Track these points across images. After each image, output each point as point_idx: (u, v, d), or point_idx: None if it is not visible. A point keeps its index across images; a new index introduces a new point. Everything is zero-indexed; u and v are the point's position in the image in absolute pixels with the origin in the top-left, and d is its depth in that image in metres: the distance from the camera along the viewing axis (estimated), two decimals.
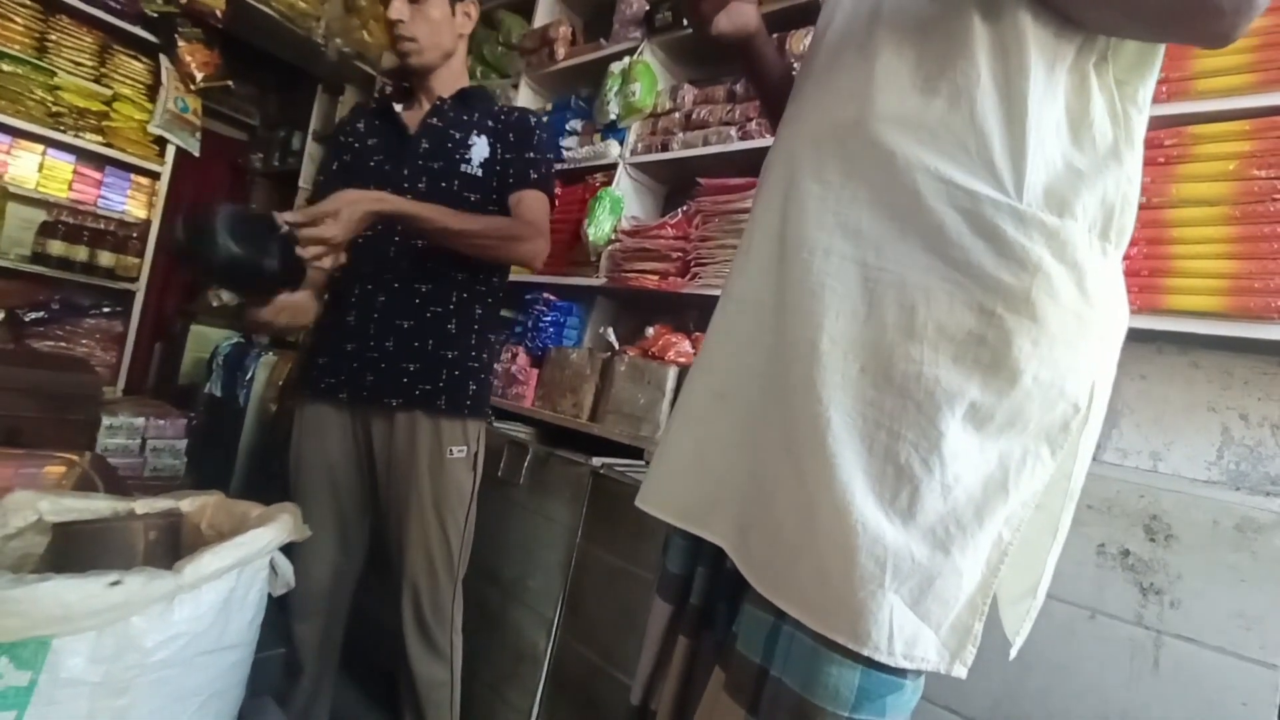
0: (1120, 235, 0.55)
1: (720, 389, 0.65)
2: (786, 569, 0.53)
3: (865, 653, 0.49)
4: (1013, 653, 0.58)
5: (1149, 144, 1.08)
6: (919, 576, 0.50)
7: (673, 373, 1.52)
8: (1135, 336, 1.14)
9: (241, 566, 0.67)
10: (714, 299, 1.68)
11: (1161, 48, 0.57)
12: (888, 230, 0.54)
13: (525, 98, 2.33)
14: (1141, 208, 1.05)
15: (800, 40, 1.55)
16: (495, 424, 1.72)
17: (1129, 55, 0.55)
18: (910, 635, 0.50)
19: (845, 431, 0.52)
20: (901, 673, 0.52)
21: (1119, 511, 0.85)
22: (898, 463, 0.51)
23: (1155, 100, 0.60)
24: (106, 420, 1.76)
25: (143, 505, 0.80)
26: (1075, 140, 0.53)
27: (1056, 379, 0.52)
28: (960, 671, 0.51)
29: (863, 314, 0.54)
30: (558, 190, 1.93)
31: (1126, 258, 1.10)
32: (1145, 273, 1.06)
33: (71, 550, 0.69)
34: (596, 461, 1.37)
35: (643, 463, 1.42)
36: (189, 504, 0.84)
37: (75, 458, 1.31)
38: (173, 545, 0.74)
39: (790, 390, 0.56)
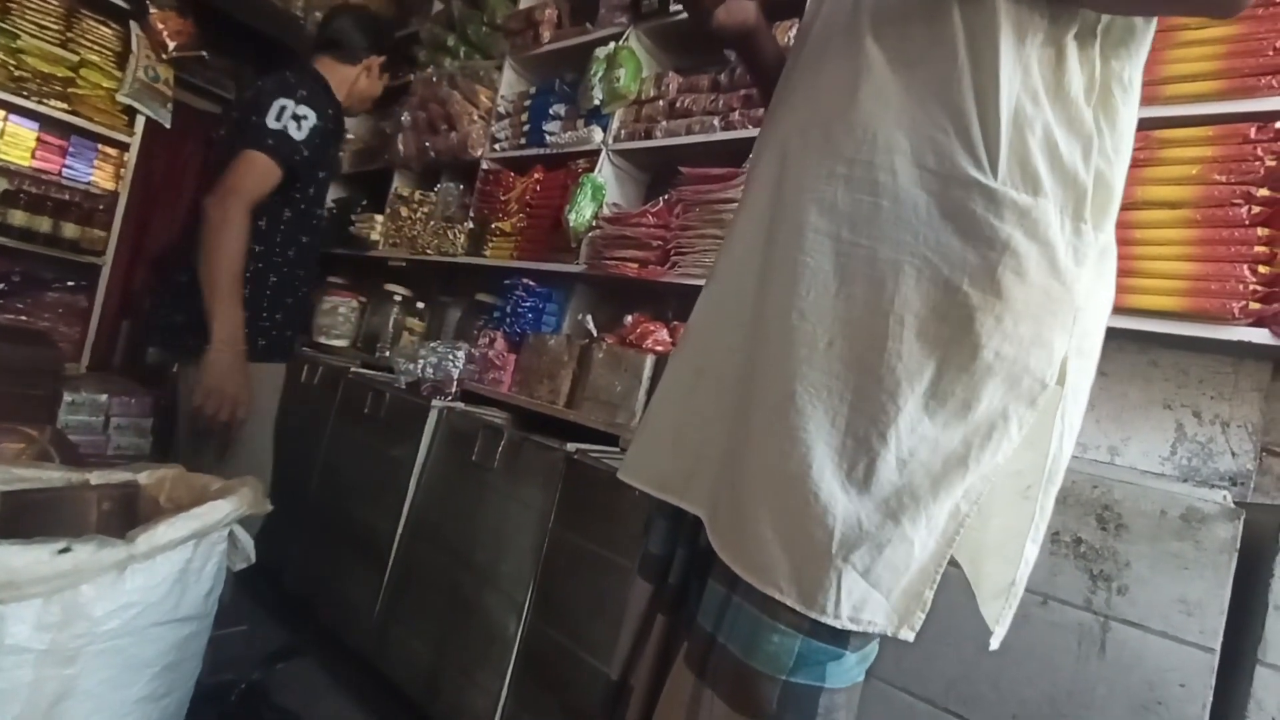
0: (1099, 215, 0.55)
1: (700, 364, 0.66)
2: (743, 535, 0.55)
3: (813, 615, 0.50)
4: (993, 643, 0.58)
5: None
6: (867, 544, 0.51)
7: (650, 361, 1.52)
8: None
9: (198, 538, 0.66)
10: (693, 288, 1.69)
11: (1152, 27, 0.57)
12: (861, 207, 0.55)
13: (509, 80, 2.30)
14: None
15: (786, 29, 1.55)
16: (470, 408, 1.71)
17: (1116, 31, 0.55)
18: (858, 599, 0.51)
19: (809, 405, 0.53)
20: (844, 641, 0.53)
21: (1073, 501, 0.87)
22: (857, 435, 0.52)
23: None
24: (68, 396, 1.72)
25: (98, 476, 0.79)
26: (1053, 117, 0.53)
27: (1020, 354, 0.52)
28: (907, 635, 0.52)
29: (833, 289, 0.55)
30: (537, 176, 1.89)
31: None
32: None
33: (21, 519, 0.67)
34: (571, 447, 1.37)
35: (617, 449, 1.42)
36: (146, 476, 0.82)
37: (34, 432, 1.27)
38: (128, 517, 0.73)
39: (761, 364, 0.58)
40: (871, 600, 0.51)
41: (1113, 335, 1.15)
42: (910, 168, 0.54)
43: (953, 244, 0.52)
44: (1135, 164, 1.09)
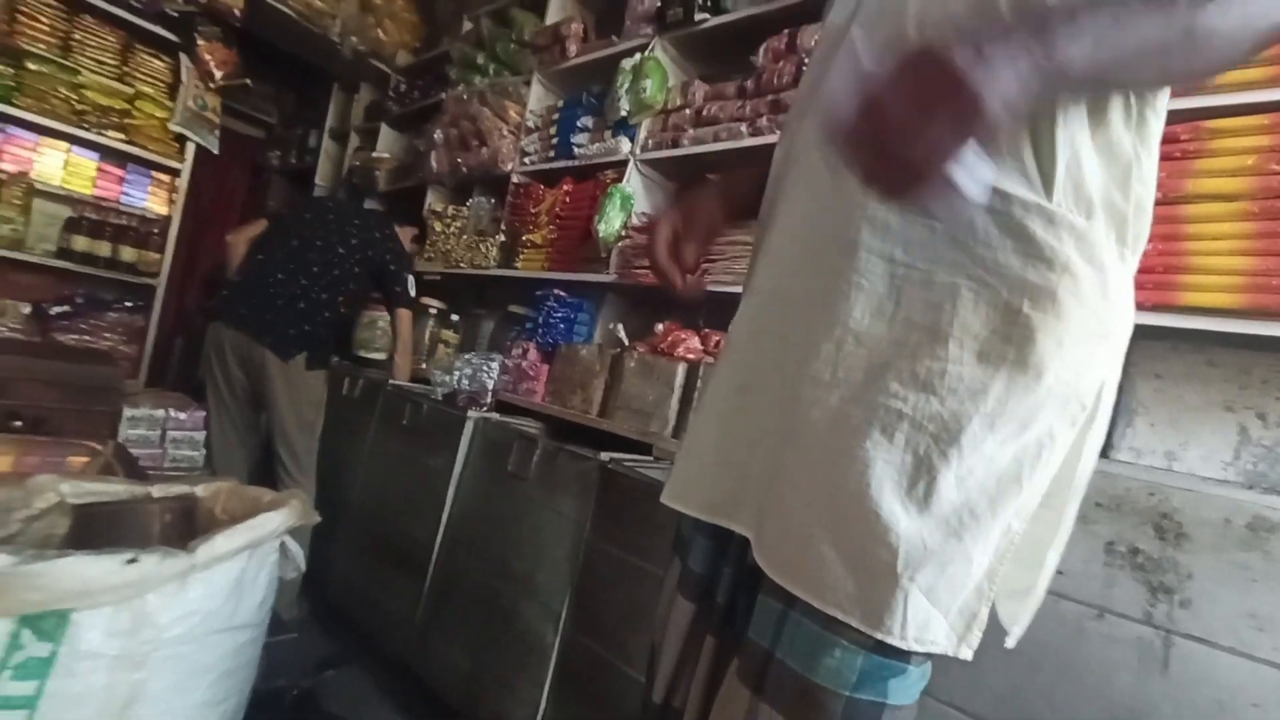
0: (1136, 241, 0.55)
1: (743, 382, 0.65)
2: (800, 555, 0.54)
3: (879, 636, 0.50)
4: (1010, 642, 0.59)
5: (1165, 139, 1.07)
6: (932, 564, 0.50)
7: (681, 369, 1.52)
8: (1150, 334, 1.13)
9: (252, 548, 0.69)
10: (725, 295, 1.68)
11: None
12: (916, 227, 0.54)
13: (537, 94, 2.35)
14: (1156, 204, 1.05)
15: (811, 34, 1.54)
16: (504, 418, 1.74)
17: None
18: (922, 620, 0.50)
19: (866, 424, 0.53)
20: (905, 656, 0.52)
21: (1129, 509, 0.83)
22: (917, 453, 0.51)
23: (1171, 95, 0.60)
24: (128, 412, 1.80)
25: (159, 490, 0.83)
26: (1095, 141, 0.53)
27: (1073, 378, 0.52)
28: (966, 653, 0.52)
29: (889, 311, 0.54)
30: (566, 188, 2.02)
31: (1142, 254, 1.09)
32: (1160, 269, 1.05)
33: (90, 530, 0.71)
34: (605, 456, 1.37)
35: (651, 458, 1.42)
36: (204, 489, 0.86)
37: (98, 446, 1.34)
38: (187, 528, 0.76)
39: (810, 384, 0.57)
40: (934, 620, 0.51)
41: (1166, 335, 1.11)
42: None
43: (1011, 265, 0.51)
44: (1185, 156, 1.05)
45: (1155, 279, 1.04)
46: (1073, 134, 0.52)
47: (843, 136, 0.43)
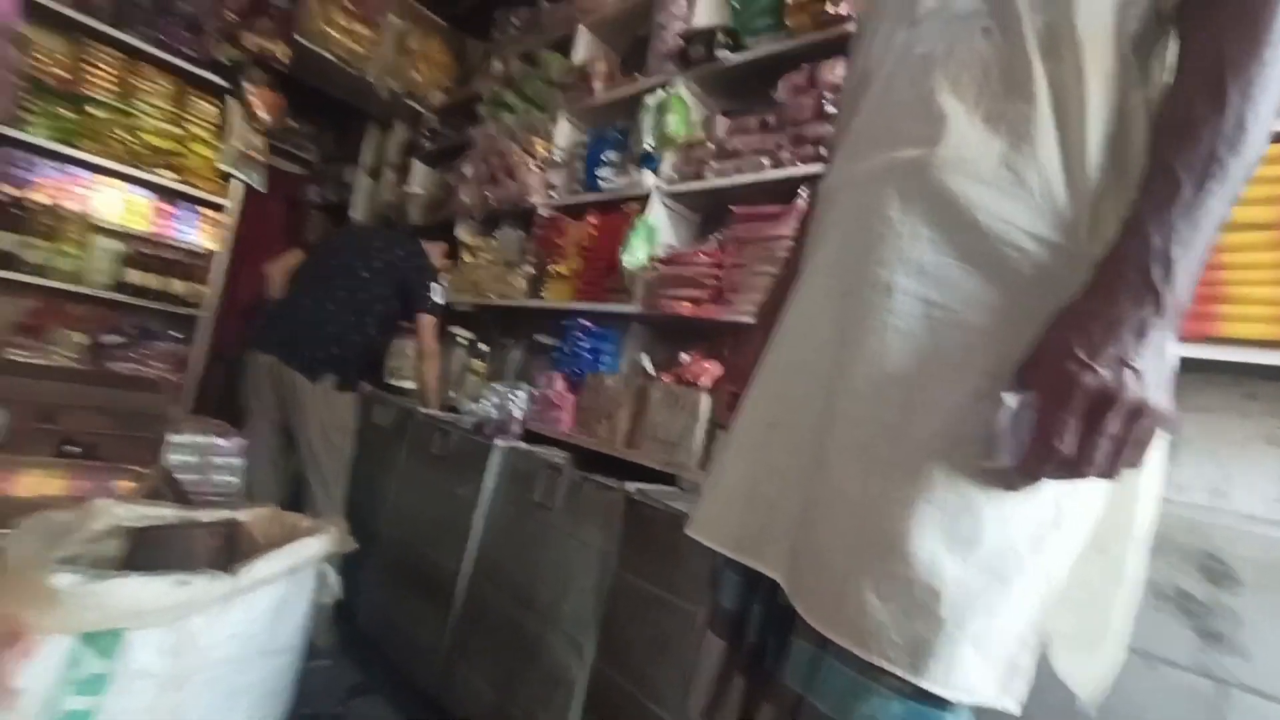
0: None
1: (773, 418, 0.65)
2: (838, 600, 0.53)
3: (924, 685, 0.48)
4: (1093, 712, 0.57)
5: None
6: (978, 609, 0.49)
7: (707, 399, 1.52)
8: (1185, 366, 1.09)
9: (292, 573, 0.71)
10: (749, 325, 1.68)
11: None
12: (950, 269, 0.54)
13: (564, 130, 2.42)
14: None
15: (830, 69, 1.58)
16: (531, 447, 1.76)
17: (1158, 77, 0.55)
18: (966, 667, 0.49)
19: (905, 464, 0.52)
20: (943, 705, 0.50)
21: (1172, 549, 0.81)
22: (960, 491, 0.50)
23: None
24: (173, 438, 1.87)
25: (205, 515, 0.86)
26: (1122, 185, 0.53)
27: None
28: (1009, 704, 0.50)
29: (925, 350, 0.54)
30: (592, 220, 2.05)
31: None
32: (1195, 299, 1.03)
33: (143, 553, 0.75)
34: (631, 487, 1.38)
35: (677, 489, 1.42)
36: (246, 514, 0.89)
37: (145, 471, 1.40)
38: (231, 552, 0.79)
39: (848, 422, 0.56)
40: (977, 668, 0.49)
41: (1203, 367, 1.08)
42: (997, 228, 0.52)
43: (1046, 306, 0.51)
44: None
45: (1191, 310, 1.02)
46: (1108, 174, 0.52)
47: (1030, 472, 0.48)
